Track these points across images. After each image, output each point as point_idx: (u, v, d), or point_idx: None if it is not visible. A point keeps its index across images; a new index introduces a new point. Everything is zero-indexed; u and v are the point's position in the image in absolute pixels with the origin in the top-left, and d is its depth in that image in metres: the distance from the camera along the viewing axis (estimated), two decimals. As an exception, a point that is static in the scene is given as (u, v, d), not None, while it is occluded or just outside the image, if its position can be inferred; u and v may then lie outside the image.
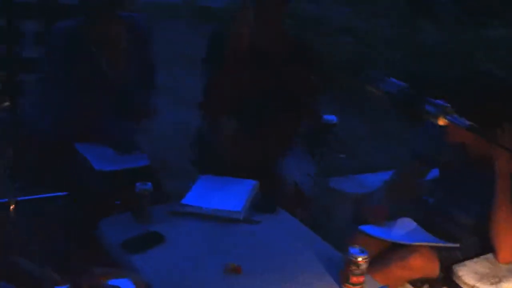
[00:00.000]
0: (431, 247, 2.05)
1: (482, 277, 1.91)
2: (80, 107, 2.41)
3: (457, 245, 2.05)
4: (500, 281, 1.92)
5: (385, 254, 2.10)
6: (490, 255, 2.00)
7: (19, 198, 2.70)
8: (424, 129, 2.23)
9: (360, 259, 1.75)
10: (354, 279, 1.76)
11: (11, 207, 2.42)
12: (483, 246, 2.04)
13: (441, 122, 1.31)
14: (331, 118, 2.65)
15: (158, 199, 2.16)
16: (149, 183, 2.04)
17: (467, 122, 1.28)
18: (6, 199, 2.58)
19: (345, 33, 6.67)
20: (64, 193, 2.35)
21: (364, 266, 1.76)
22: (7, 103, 2.76)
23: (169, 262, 1.86)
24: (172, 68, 4.83)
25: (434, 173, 2.31)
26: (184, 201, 2.15)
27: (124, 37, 2.44)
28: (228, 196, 2.20)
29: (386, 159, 3.52)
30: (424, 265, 2.02)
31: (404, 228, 2.17)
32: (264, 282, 1.79)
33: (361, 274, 1.77)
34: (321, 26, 6.62)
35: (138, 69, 2.50)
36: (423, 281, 2.07)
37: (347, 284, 1.77)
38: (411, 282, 2.09)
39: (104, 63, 2.42)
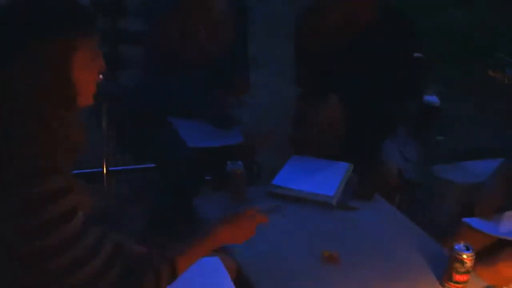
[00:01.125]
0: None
1: None
2: (178, 81, 2.40)
3: None
4: None
5: (492, 251, 1.95)
6: None
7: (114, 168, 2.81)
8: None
9: (465, 256, 1.63)
10: (457, 277, 1.64)
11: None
12: None
13: None
14: (432, 99, 2.48)
15: (254, 178, 2.12)
16: (240, 162, 2.00)
17: None
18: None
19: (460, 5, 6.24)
20: (152, 164, 2.35)
21: (469, 264, 1.63)
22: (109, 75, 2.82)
23: (261, 245, 1.80)
24: (272, 39, 4.76)
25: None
26: (275, 181, 2.10)
27: (221, 8, 2.39)
28: (321, 178, 2.13)
29: (494, 144, 3.28)
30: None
31: (514, 223, 2.00)
32: (363, 274, 1.70)
33: (466, 273, 1.64)
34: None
35: (234, 42, 2.45)
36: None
37: (450, 283, 1.65)
38: (521, 283, 1.93)
39: (201, 35, 2.39)
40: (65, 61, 1.14)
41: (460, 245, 1.65)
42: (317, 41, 2.36)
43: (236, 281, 1.61)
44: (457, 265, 1.63)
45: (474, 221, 2.00)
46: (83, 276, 1.14)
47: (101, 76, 1.24)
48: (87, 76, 1.20)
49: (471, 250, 1.64)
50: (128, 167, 2.98)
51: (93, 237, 1.16)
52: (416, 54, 2.64)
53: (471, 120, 3.88)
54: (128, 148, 2.51)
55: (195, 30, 2.37)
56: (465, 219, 2.02)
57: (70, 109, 1.19)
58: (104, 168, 2.75)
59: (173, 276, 1.29)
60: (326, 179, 2.13)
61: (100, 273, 1.16)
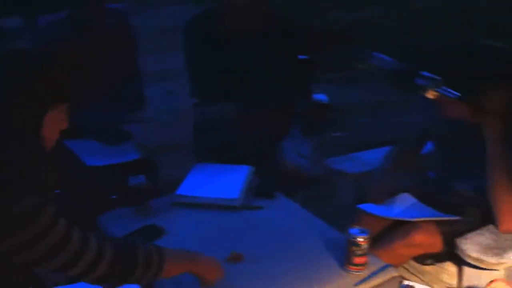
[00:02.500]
0: (433, 221, 2.04)
1: (485, 249, 1.90)
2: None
3: (458, 217, 2.04)
4: (504, 252, 1.91)
5: (387, 232, 2.09)
6: (492, 226, 1.99)
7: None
8: (420, 102, 2.20)
9: (360, 239, 1.74)
10: (356, 260, 1.75)
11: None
12: (485, 217, 2.02)
13: (431, 95, 1.28)
14: (321, 97, 2.63)
15: (157, 191, 2.14)
16: (142, 176, 2.02)
17: (456, 93, 1.25)
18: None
19: (339, 5, 6.59)
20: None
21: (365, 246, 1.75)
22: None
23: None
24: (166, 53, 4.78)
25: (429, 146, 2.30)
26: (179, 191, 2.14)
27: (105, 25, 2.40)
28: (224, 183, 2.19)
29: (385, 134, 3.49)
30: (426, 240, 2.01)
31: (404, 204, 2.16)
32: (267, 268, 1.78)
33: (364, 255, 1.75)
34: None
35: (124, 58, 2.47)
36: (427, 256, 2.06)
37: (350, 266, 1.76)
38: (415, 259, 2.09)
39: (88, 54, 2.39)
40: (38, 120, 1.34)
41: (355, 229, 1.77)
42: (205, 49, 2.43)
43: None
44: (355, 248, 1.74)
45: (368, 207, 2.15)
46: (79, 270, 1.31)
47: None
48: (52, 133, 1.41)
49: (366, 233, 1.76)
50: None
51: (77, 237, 1.32)
52: (301, 56, 2.78)
53: (360, 113, 4.11)
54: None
55: (82, 49, 2.36)
56: (361, 206, 2.16)
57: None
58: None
59: (158, 272, 1.41)
60: (229, 183, 2.20)
61: (92, 265, 1.32)
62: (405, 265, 2.11)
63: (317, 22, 5.92)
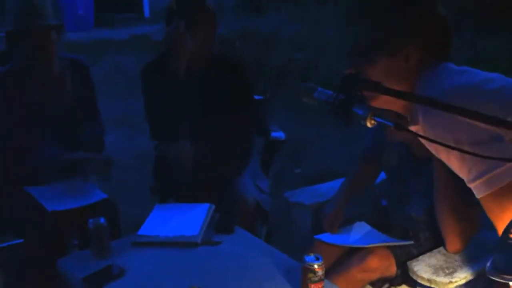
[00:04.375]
0: (386, 246, 2.11)
1: (436, 270, 1.98)
2: (27, 147, 2.41)
3: (411, 242, 2.12)
4: (454, 271, 1.98)
5: (343, 259, 2.16)
6: (442, 248, 2.07)
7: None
8: (369, 131, 2.31)
9: (316, 266, 1.79)
10: (313, 287, 1.81)
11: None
12: (437, 240, 2.11)
13: (369, 123, 1.36)
14: (279, 134, 2.72)
15: (116, 233, 2.17)
16: (102, 218, 2.05)
17: (390, 123, 1.33)
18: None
19: (298, 48, 6.81)
20: (20, 240, 2.35)
21: (320, 272, 1.80)
22: None
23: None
24: (128, 99, 4.87)
25: (382, 175, 2.40)
26: (140, 232, 2.17)
27: (66, 76, 2.46)
28: (184, 221, 2.23)
29: (342, 165, 3.60)
30: (381, 265, 2.08)
31: (359, 232, 2.24)
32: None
33: (319, 281, 1.80)
34: (276, 44, 6.76)
35: (81, 101, 2.53)
36: (383, 280, 2.13)
37: (307, 293, 1.81)
38: (372, 284, 2.15)
39: (42, 98, 2.44)
40: None
41: (311, 256, 1.83)
42: (160, 91, 2.51)
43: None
44: (310, 275, 1.80)
45: (324, 236, 2.21)
46: None
47: None
48: None
49: (320, 260, 1.82)
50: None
51: None
52: (257, 97, 2.89)
53: (316, 147, 4.22)
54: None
55: (36, 92, 2.42)
56: (317, 236, 2.23)
57: None
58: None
59: None
60: (190, 221, 2.24)
61: None
62: (363, 291, 2.16)
63: (277, 61, 6.11)
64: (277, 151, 2.79)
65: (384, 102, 1.47)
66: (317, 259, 1.82)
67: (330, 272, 2.02)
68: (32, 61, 2.40)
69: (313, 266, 1.80)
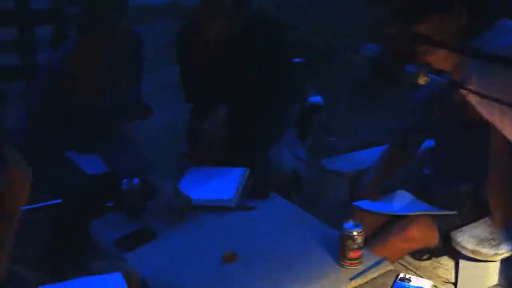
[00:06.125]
0: (429, 216, 2.02)
1: (481, 241, 1.89)
2: (71, 114, 2.38)
3: (454, 212, 2.03)
4: (500, 243, 1.89)
5: (383, 228, 2.08)
6: (488, 219, 1.98)
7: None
8: (414, 99, 2.21)
9: (355, 233, 1.73)
10: (351, 254, 1.74)
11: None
12: (481, 211, 2.01)
13: (421, 80, 1.28)
14: (317, 99, 2.63)
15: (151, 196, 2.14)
16: (136, 179, 2.01)
17: (445, 79, 1.25)
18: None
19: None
20: (58, 200, 2.34)
21: (360, 240, 1.74)
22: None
23: (163, 256, 1.84)
24: (159, 66, 4.83)
25: (428, 143, 2.29)
26: None
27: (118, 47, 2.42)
28: (219, 185, 2.18)
29: (380, 134, 3.48)
30: (422, 235, 2.00)
31: (400, 200, 2.15)
32: (261, 267, 1.77)
33: (358, 249, 1.74)
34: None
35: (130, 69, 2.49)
36: (423, 251, 2.05)
37: (345, 260, 1.75)
38: (411, 254, 2.07)
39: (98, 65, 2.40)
40: None
41: (349, 223, 1.76)
42: (197, 54, 2.44)
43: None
44: (349, 242, 1.73)
45: (363, 204, 2.14)
46: None
47: None
48: None
49: (360, 227, 1.75)
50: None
51: None
52: (296, 60, 2.79)
53: (352, 115, 4.09)
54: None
55: (94, 62, 2.37)
56: (356, 203, 2.15)
57: None
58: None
59: None
60: (224, 185, 2.18)
61: None
62: (401, 261, 2.09)
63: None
64: (314, 117, 2.70)
65: (436, 59, 1.38)
66: (356, 226, 1.76)
67: (368, 241, 1.94)
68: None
69: (352, 233, 1.73)
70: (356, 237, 1.73)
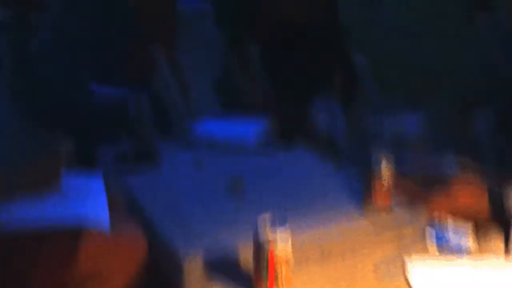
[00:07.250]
0: (479, 182, 1.73)
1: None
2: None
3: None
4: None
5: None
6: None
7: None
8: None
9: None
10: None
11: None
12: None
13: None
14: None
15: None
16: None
17: None
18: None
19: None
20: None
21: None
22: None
23: (165, 184, 1.66)
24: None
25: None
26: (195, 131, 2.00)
27: None
28: (239, 127, 2.05)
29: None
30: (470, 200, 1.71)
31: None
32: (269, 199, 1.55)
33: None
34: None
35: None
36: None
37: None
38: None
39: None
40: None
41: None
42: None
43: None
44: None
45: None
46: None
47: None
48: None
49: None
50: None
51: None
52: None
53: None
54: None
55: None
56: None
57: None
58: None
59: None
60: (247, 127, 2.05)
61: None
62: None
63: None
64: (357, 83, 2.48)
65: None
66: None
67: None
68: None
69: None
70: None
